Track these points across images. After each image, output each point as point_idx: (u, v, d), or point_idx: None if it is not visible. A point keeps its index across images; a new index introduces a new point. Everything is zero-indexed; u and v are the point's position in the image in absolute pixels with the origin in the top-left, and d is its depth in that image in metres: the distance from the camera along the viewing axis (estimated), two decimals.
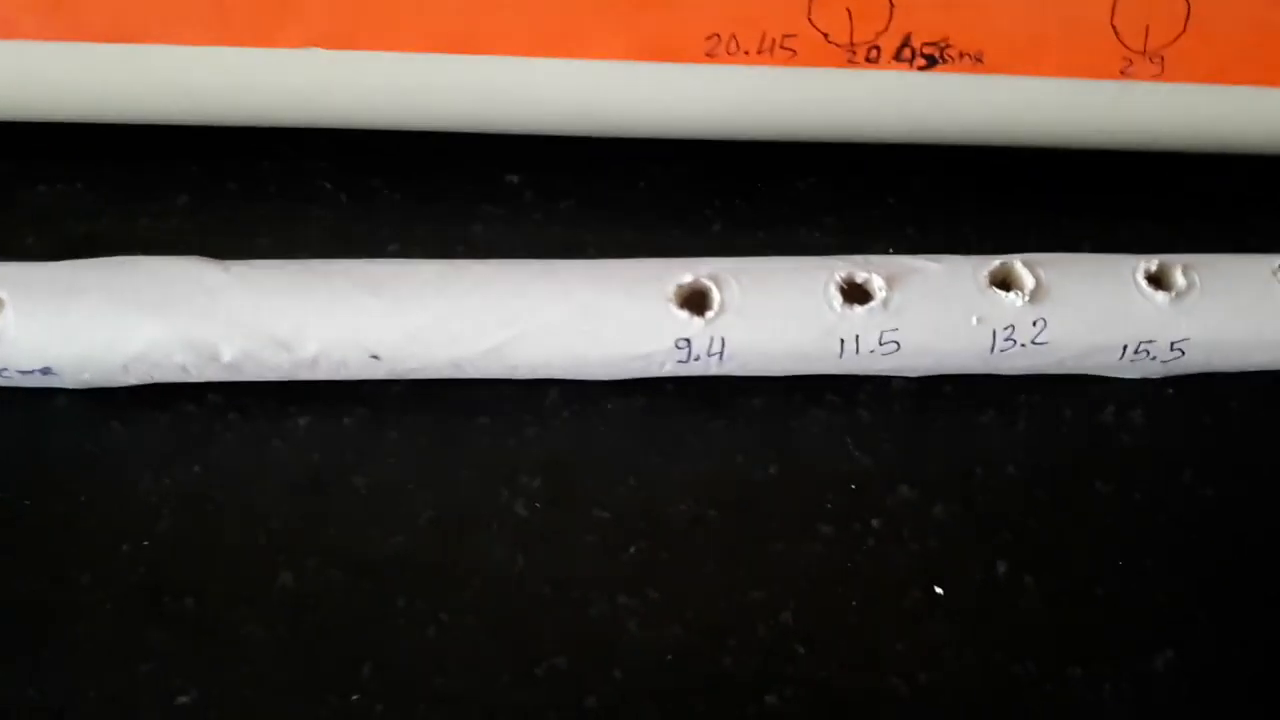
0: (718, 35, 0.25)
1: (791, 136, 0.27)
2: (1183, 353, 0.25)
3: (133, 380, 0.24)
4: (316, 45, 0.25)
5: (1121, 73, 0.26)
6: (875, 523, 0.24)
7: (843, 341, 0.24)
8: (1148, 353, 0.25)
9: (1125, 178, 0.29)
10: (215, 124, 0.27)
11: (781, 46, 0.25)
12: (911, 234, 0.28)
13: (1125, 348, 0.24)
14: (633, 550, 0.23)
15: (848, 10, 0.25)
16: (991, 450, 0.25)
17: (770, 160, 0.28)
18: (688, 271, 0.24)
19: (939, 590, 0.23)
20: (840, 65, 0.25)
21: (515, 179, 0.28)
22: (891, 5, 0.25)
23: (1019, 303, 0.24)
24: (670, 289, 0.24)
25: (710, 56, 0.25)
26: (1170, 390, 0.26)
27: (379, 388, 0.25)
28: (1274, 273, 0.25)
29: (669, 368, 0.24)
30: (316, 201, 0.28)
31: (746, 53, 0.25)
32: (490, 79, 0.25)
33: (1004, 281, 0.25)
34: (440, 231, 0.27)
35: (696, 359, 0.24)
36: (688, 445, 0.25)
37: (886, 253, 0.26)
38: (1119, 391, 0.26)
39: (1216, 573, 0.24)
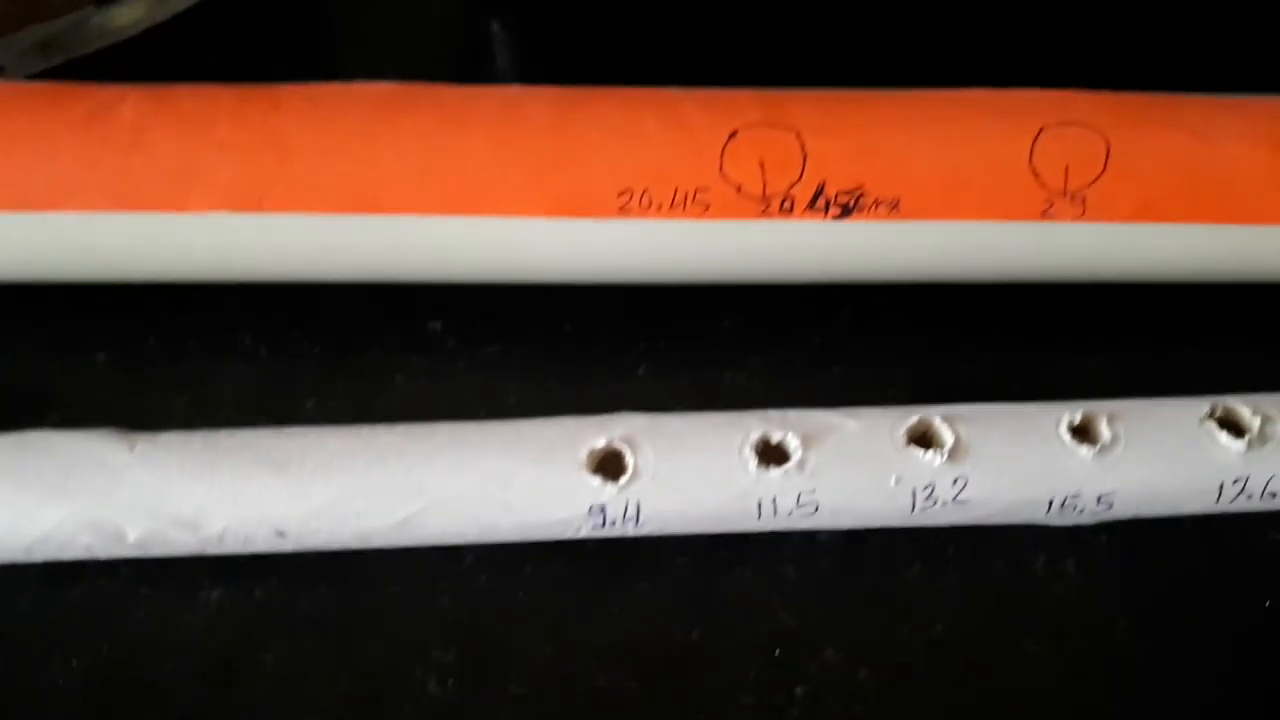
0: (630, 191, 0.25)
1: (711, 282, 0.27)
2: (1111, 505, 0.24)
3: (38, 559, 0.23)
4: (224, 210, 0.25)
5: (1043, 214, 0.25)
6: (799, 690, 0.23)
7: (760, 504, 0.23)
8: (1074, 506, 0.24)
9: (1053, 311, 0.28)
10: (129, 283, 0.27)
11: (694, 200, 0.25)
12: (838, 372, 0.28)
13: (1050, 503, 0.24)
14: None
15: (760, 163, 0.25)
16: (919, 607, 0.24)
17: (695, 300, 0.28)
18: (601, 434, 0.23)
19: None
20: (754, 217, 0.25)
21: (438, 326, 0.28)
22: (804, 156, 0.25)
23: (937, 462, 0.23)
24: (583, 454, 0.23)
25: (623, 212, 0.25)
26: (1104, 537, 0.25)
27: (293, 554, 0.24)
28: (1200, 422, 0.24)
29: (585, 532, 0.24)
30: (236, 355, 0.27)
31: (659, 207, 0.25)
32: (399, 237, 0.25)
33: (924, 437, 0.24)
34: (359, 385, 0.27)
35: (612, 524, 0.23)
36: (609, 610, 0.24)
37: (807, 399, 0.25)
38: (1051, 540, 0.25)
39: None
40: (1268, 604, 0.25)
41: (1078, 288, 0.28)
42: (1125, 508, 0.24)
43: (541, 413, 0.24)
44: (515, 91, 0.25)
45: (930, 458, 0.23)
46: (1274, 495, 0.24)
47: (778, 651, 0.24)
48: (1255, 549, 0.26)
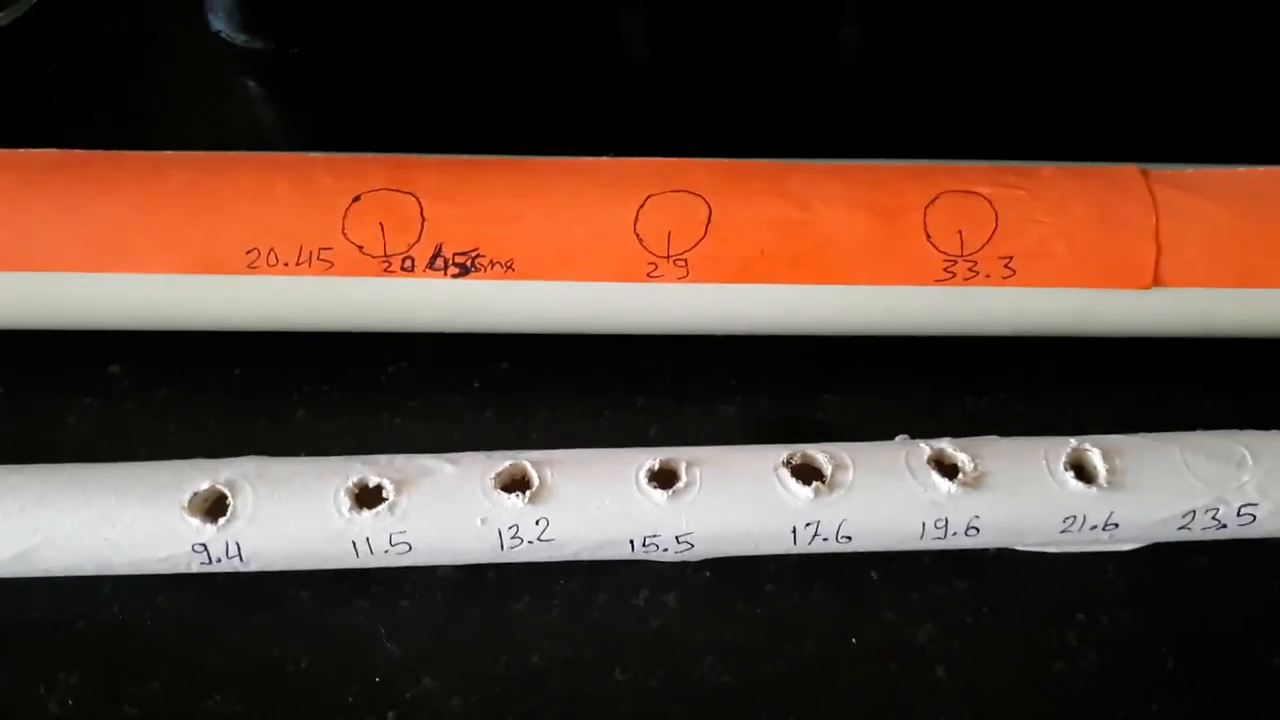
0: (257, 249, 0.27)
1: (342, 329, 0.29)
2: (691, 545, 0.26)
3: None
4: None
5: (648, 276, 0.27)
6: (391, 715, 0.25)
7: (355, 543, 0.25)
8: (656, 545, 0.26)
9: (683, 365, 0.30)
10: None
11: (319, 259, 0.27)
12: (489, 417, 0.29)
13: (632, 542, 0.26)
14: None
15: (380, 224, 0.27)
16: (521, 638, 0.26)
17: (365, 345, 0.30)
18: (206, 478, 0.25)
19: None
20: (376, 274, 0.27)
21: (117, 369, 0.30)
22: (423, 219, 0.27)
23: (521, 504, 0.25)
24: (186, 497, 0.25)
25: (252, 269, 0.27)
26: (708, 573, 0.27)
27: None
28: (774, 469, 0.26)
29: (194, 568, 0.26)
30: None
31: (286, 264, 0.27)
32: (50, 291, 0.27)
33: (523, 480, 0.26)
34: (34, 425, 0.29)
35: (218, 561, 0.25)
36: (227, 639, 0.26)
37: (455, 442, 0.27)
38: (657, 574, 0.27)
39: None
40: (853, 640, 0.27)
41: (690, 340, 0.30)
42: (706, 547, 0.26)
43: (196, 453, 0.26)
44: (163, 157, 0.27)
45: (514, 500, 0.25)
46: (848, 538, 0.26)
47: (377, 679, 0.26)
48: (853, 587, 0.27)
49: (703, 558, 0.26)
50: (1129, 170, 0.28)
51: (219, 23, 0.36)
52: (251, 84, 0.36)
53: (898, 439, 0.27)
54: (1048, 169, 0.28)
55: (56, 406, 0.29)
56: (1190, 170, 0.29)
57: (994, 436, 0.27)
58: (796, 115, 0.37)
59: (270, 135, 0.36)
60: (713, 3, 0.40)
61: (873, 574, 0.28)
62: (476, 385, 0.30)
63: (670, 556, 0.26)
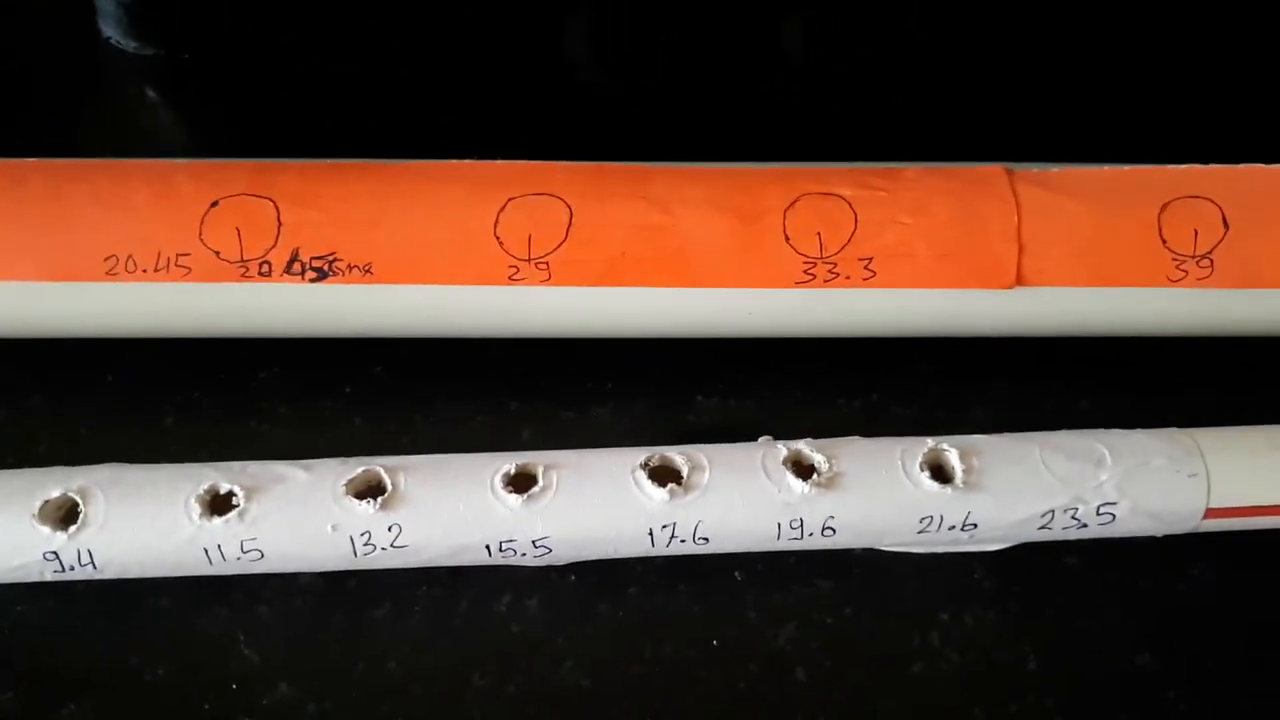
0: (116, 256, 0.27)
1: (207, 335, 0.29)
2: (549, 549, 0.26)
3: None
4: None
5: (510, 279, 0.27)
6: None
7: (207, 550, 0.25)
8: (514, 550, 0.26)
9: (558, 364, 0.30)
10: None
11: (177, 265, 0.27)
12: (359, 424, 0.29)
13: (489, 548, 0.26)
14: None
15: (237, 230, 0.27)
16: (378, 645, 0.26)
17: (237, 351, 0.30)
18: (58, 486, 0.25)
19: None
20: (234, 280, 0.27)
21: None
22: (280, 223, 0.27)
23: (372, 510, 0.25)
24: (37, 504, 0.25)
25: (111, 275, 0.27)
26: (573, 576, 0.27)
27: None
28: (631, 472, 0.26)
29: (48, 576, 0.25)
30: None
31: (144, 271, 0.27)
32: None
33: (378, 486, 0.26)
34: None
35: (71, 569, 0.25)
36: (86, 648, 0.26)
37: (327, 447, 0.27)
38: (522, 579, 0.27)
39: None
40: (714, 642, 0.27)
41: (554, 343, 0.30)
42: (565, 551, 0.26)
43: (66, 462, 0.26)
44: (23, 164, 0.27)
45: (365, 506, 0.25)
46: (706, 540, 0.26)
47: (234, 686, 0.26)
48: (717, 588, 0.27)
49: (564, 562, 0.26)
50: (994, 169, 0.28)
51: (109, 29, 0.36)
52: (143, 90, 0.36)
53: (760, 440, 0.27)
54: (912, 169, 0.28)
55: None
56: (1056, 170, 0.29)
57: (855, 437, 0.27)
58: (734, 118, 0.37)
59: (162, 141, 0.36)
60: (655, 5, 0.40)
61: (737, 575, 0.28)
62: (348, 390, 0.30)
63: (530, 561, 0.26)
